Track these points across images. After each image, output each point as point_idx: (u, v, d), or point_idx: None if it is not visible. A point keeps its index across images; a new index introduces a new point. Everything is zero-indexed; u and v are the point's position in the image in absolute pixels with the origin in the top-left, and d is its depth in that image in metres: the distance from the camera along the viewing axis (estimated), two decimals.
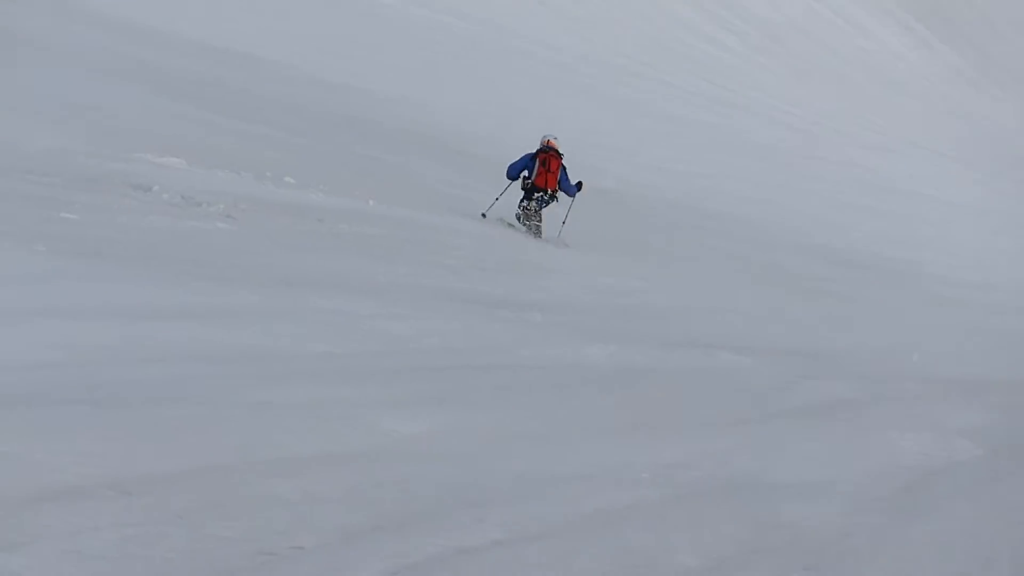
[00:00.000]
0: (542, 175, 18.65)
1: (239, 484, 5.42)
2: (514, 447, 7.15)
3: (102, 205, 11.85)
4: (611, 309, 14.34)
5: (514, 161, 18.91)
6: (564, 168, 18.85)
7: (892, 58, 39.50)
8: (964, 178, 31.42)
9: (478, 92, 30.41)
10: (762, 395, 10.43)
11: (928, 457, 9.34)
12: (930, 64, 38.80)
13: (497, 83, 31.69)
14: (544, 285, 14.61)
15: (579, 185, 19.03)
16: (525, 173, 18.83)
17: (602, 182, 23.42)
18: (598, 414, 8.52)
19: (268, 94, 24.50)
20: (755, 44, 37.18)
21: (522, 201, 19.06)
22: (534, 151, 18.94)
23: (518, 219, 19.05)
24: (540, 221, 18.98)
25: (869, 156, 30.90)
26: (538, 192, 18.80)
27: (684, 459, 7.70)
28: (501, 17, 37.04)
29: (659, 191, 25.44)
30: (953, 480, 8.96)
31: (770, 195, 25.41)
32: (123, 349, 7.49)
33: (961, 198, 29.09)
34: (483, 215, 18.61)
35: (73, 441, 5.48)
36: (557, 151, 18.80)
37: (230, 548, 4.73)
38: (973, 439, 10.23)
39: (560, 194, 19.00)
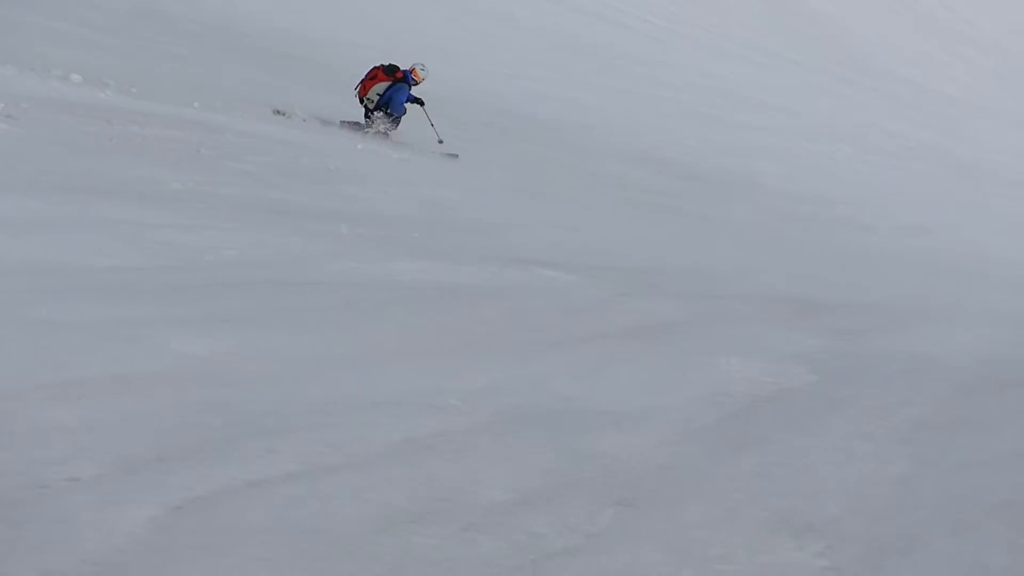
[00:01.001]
0: (363, 84, 20.39)
1: (15, 411, 5.36)
2: (314, 371, 7.15)
3: None
4: (427, 222, 14.34)
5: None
6: (399, 87, 20.09)
7: None
8: (810, 86, 31.88)
9: None
10: (583, 315, 10.53)
11: (757, 384, 9.50)
12: None
13: None
14: (355, 195, 14.57)
15: (418, 101, 20.38)
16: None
17: (427, 86, 23.40)
18: (407, 336, 8.53)
19: None
20: None
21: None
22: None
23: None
24: (376, 127, 20.20)
25: (716, 63, 31.21)
26: (362, 103, 20.37)
27: (497, 384, 7.77)
28: None
29: (489, 96, 25.41)
30: (783, 408, 9.15)
31: (608, 102, 25.56)
32: None
33: (804, 106, 29.52)
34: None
35: None
36: (391, 68, 20.19)
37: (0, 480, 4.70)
38: (805, 365, 10.45)
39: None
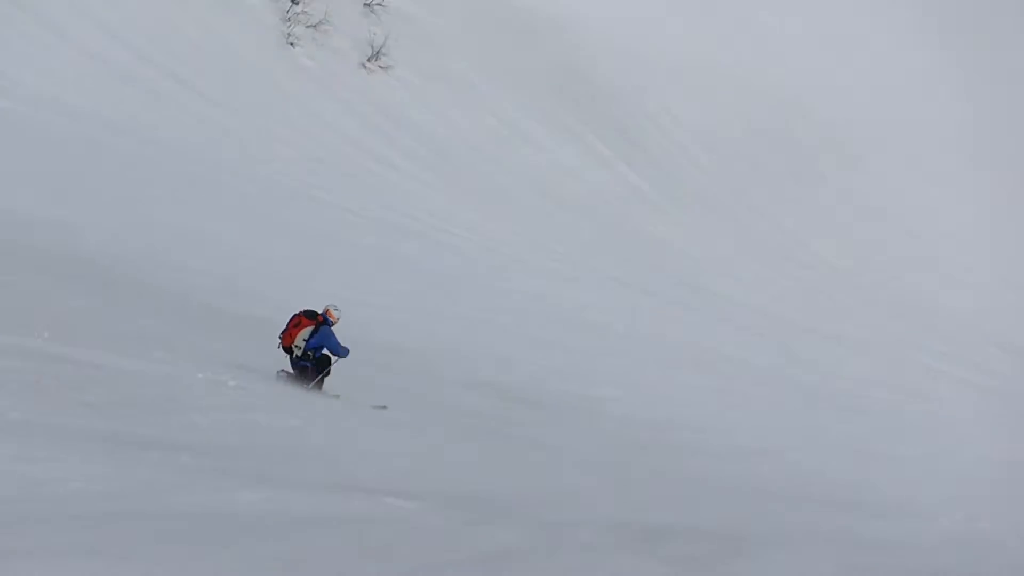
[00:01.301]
0: (285, 334, 20.34)
1: None
2: None
3: None
4: (267, 449, 14.44)
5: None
6: (325, 332, 20.22)
7: (568, 177, 40.64)
8: (645, 307, 32.47)
9: (131, 212, 30.16)
10: (431, 544, 10.67)
11: None
12: (609, 184, 40.07)
13: (150, 202, 31.48)
14: (196, 423, 14.64)
15: (344, 353, 20.37)
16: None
17: (259, 310, 23.60)
18: (252, 569, 8.64)
19: None
20: (425, 163, 37.84)
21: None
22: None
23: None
24: (311, 386, 20.34)
25: (555, 286, 31.68)
26: (288, 352, 20.35)
27: None
28: (161, 130, 36.97)
29: None
30: None
31: (447, 328, 25.90)
32: None
33: (644, 330, 30.08)
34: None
35: None
36: (311, 313, 20.37)
37: None
38: None
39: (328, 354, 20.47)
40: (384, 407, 20.49)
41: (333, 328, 20.41)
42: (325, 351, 20.43)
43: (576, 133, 40.38)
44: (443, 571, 9.91)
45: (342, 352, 20.34)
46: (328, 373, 20.59)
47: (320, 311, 20.51)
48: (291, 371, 20.56)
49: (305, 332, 20.28)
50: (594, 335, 27.96)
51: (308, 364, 20.39)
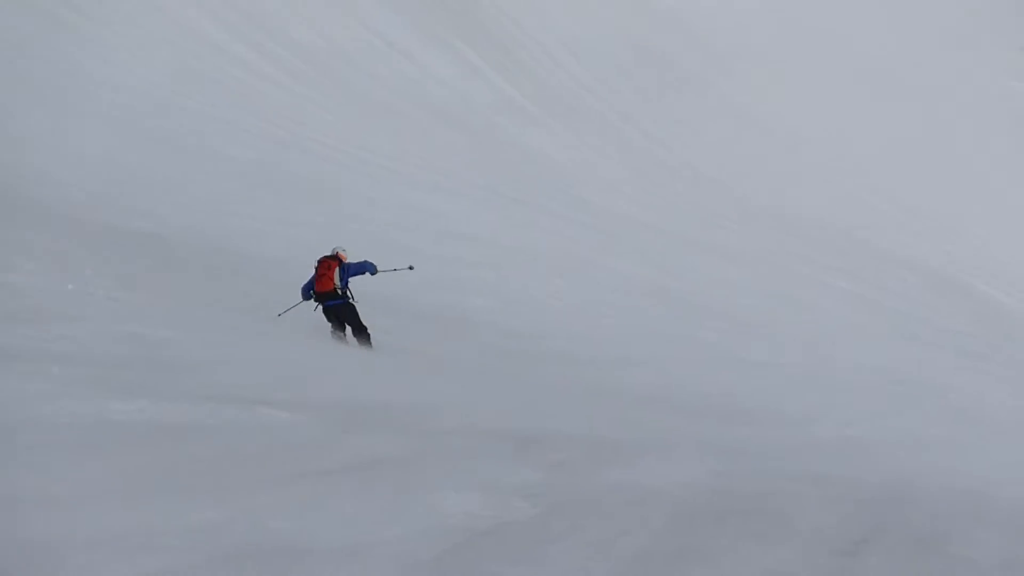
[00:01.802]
0: (319, 281, 21.06)
1: None
2: (31, 513, 7.17)
3: None
4: (140, 360, 14.31)
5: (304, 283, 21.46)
6: (345, 265, 21.19)
7: (443, 87, 40.37)
8: (519, 218, 32.39)
9: None
10: (302, 452, 10.67)
11: (476, 517, 9.79)
12: (483, 93, 39.87)
13: (14, 113, 30.86)
14: (65, 335, 14.47)
15: (371, 266, 21.45)
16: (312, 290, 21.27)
17: (139, 223, 23.32)
18: (124, 476, 8.58)
19: None
20: (299, 73, 37.32)
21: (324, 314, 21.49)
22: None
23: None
24: (343, 331, 21.09)
25: (429, 197, 31.49)
26: (323, 299, 21.12)
27: (216, 523, 7.88)
28: (28, 40, 36.21)
29: (202, 233, 25.35)
30: (503, 542, 9.44)
31: (323, 238, 25.69)
32: None
33: (517, 240, 30.03)
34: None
35: None
36: (334, 256, 21.27)
37: None
38: (525, 498, 10.76)
39: (358, 282, 21.69)
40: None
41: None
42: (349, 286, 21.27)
43: (449, 43, 40.08)
44: (317, 479, 9.92)
45: (371, 268, 21.37)
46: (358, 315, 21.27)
47: (331, 254, 21.37)
48: (336, 328, 21.26)
49: (335, 274, 21.10)
50: (466, 245, 27.90)
51: (340, 302, 21.07)
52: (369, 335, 21.07)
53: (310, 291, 21.35)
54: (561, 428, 16.61)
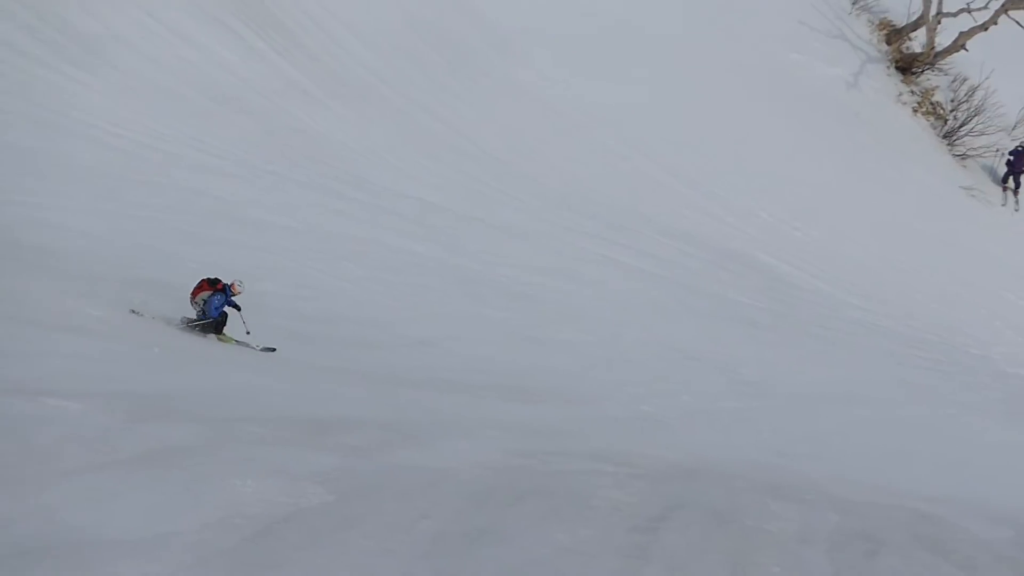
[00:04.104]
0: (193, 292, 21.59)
1: None
2: None
3: None
4: None
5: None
6: (216, 296, 21.48)
7: (224, 71, 39.83)
8: (306, 202, 32.16)
9: None
10: (93, 443, 10.50)
11: (273, 504, 9.74)
12: (266, 78, 39.47)
13: None
14: None
15: (235, 306, 21.87)
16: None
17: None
18: None
19: None
20: (72, 58, 36.45)
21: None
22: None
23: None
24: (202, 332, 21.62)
25: (207, 180, 31.03)
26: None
27: (7, 517, 7.71)
28: None
29: None
30: (301, 528, 9.40)
31: (97, 224, 25.15)
32: None
33: (305, 223, 29.83)
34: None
35: None
36: (214, 281, 21.60)
37: None
38: (322, 484, 10.75)
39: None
40: (273, 349, 21.76)
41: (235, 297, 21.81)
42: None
43: (231, 28, 39.53)
44: (110, 470, 9.78)
45: (215, 313, 21.60)
46: (215, 326, 21.77)
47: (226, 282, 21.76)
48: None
49: (203, 295, 21.58)
50: (254, 230, 27.62)
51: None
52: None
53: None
54: (356, 412, 16.65)
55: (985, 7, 56.65)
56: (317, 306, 24.96)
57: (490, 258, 32.02)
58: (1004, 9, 55.80)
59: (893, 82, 58.64)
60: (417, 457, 13.97)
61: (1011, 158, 54.46)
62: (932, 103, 58.72)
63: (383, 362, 22.84)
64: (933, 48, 58.82)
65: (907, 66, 59.24)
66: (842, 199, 48.39)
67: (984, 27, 56.40)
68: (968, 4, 57.12)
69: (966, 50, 57.41)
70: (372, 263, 28.58)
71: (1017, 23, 55.53)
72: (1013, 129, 56.58)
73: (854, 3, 60.09)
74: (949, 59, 59.06)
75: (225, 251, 25.98)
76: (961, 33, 57.29)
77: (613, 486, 14.17)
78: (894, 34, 60.27)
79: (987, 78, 55.86)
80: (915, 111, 57.97)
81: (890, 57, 59.57)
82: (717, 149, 47.02)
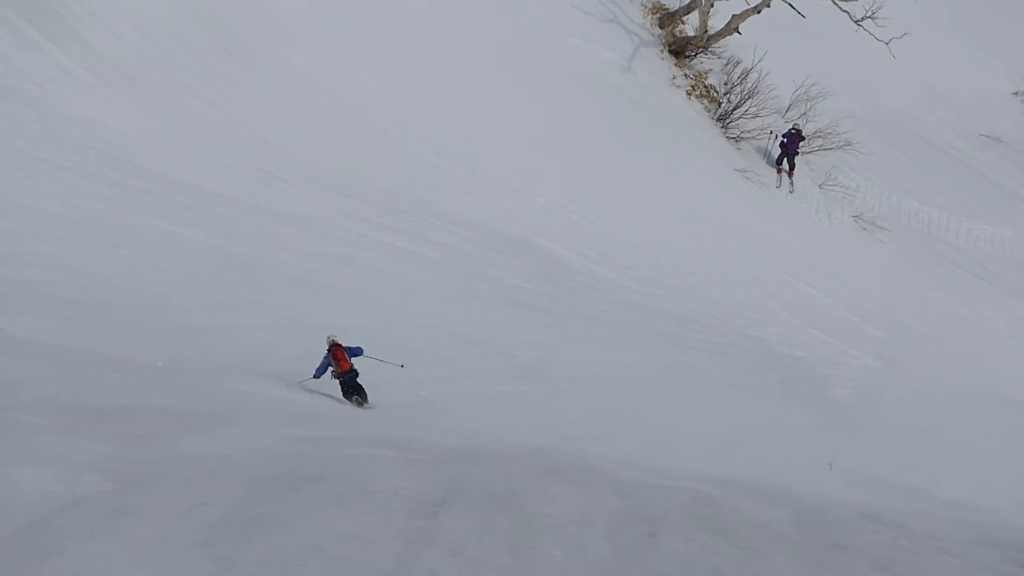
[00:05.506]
0: (339, 364, 23.62)
1: None
2: None
3: None
4: None
5: (318, 365, 23.89)
6: (348, 350, 23.84)
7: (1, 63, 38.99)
8: (79, 189, 31.56)
9: None
10: None
11: (50, 494, 9.72)
12: (40, 66, 38.65)
13: None
14: None
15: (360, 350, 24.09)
16: (331, 368, 23.96)
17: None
18: None
19: None
20: None
21: (341, 388, 24.10)
22: (327, 350, 23.90)
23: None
24: (358, 394, 23.82)
25: None
26: (345, 376, 23.92)
27: None
28: None
29: None
30: (78, 517, 9.41)
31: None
32: None
33: (78, 210, 29.27)
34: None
35: None
36: (338, 344, 23.80)
37: None
38: (99, 472, 10.73)
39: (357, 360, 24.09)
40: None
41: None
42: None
43: (2, 16, 38.64)
44: None
45: (360, 351, 24.15)
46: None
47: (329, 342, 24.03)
48: (350, 396, 23.97)
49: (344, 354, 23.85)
50: (25, 217, 27.11)
51: (354, 375, 23.99)
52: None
53: (328, 371, 23.98)
54: (133, 400, 16.58)
55: None
56: (91, 294, 24.65)
57: (267, 244, 31.90)
58: None
59: (667, 65, 59.41)
60: (196, 444, 13.96)
61: (784, 140, 55.25)
62: (706, 86, 59.51)
63: (160, 349, 22.70)
64: (706, 31, 59.55)
65: (680, 49, 59.93)
66: (618, 183, 48.84)
67: (757, 10, 57.22)
68: None
69: (739, 33, 58.22)
70: (147, 250, 28.27)
71: (790, 5, 56.56)
72: (786, 111, 57.29)
73: None
74: (722, 42, 59.83)
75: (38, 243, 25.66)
76: (734, 16, 58.00)
77: (393, 471, 14.34)
78: (667, 18, 60.99)
79: (760, 61, 56.61)
80: (689, 94, 58.72)
81: (663, 41, 60.31)
82: (493, 133, 47.19)
